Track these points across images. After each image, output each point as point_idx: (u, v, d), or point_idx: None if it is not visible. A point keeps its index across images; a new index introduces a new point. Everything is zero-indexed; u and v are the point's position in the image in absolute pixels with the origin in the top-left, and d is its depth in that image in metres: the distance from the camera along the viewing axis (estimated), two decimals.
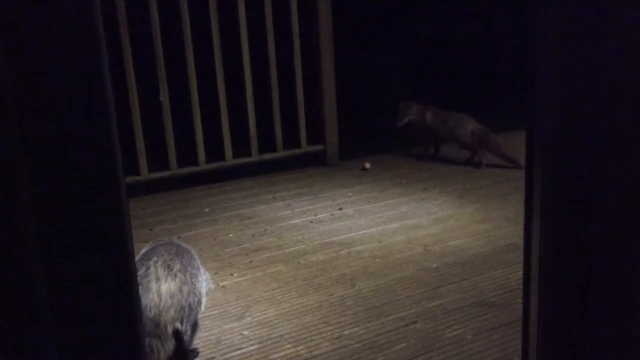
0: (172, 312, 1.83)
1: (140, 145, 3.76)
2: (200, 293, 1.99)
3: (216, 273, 2.70)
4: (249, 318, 2.31)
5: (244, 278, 2.66)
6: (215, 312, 2.36)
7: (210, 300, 2.43)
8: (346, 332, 2.18)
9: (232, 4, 3.88)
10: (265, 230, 3.21)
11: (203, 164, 4.00)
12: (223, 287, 2.57)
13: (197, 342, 2.13)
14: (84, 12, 0.81)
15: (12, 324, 0.85)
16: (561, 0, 1.04)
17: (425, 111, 4.35)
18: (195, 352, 2.07)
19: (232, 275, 2.69)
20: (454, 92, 5.39)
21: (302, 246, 2.98)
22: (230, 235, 3.16)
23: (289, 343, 2.13)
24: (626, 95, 1.09)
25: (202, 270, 2.09)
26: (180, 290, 1.87)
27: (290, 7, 4.06)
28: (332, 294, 2.47)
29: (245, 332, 2.21)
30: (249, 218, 3.40)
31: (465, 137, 4.23)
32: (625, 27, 1.06)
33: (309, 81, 4.26)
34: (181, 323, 1.84)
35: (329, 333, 2.19)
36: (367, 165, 4.27)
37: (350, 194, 3.75)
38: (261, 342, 2.15)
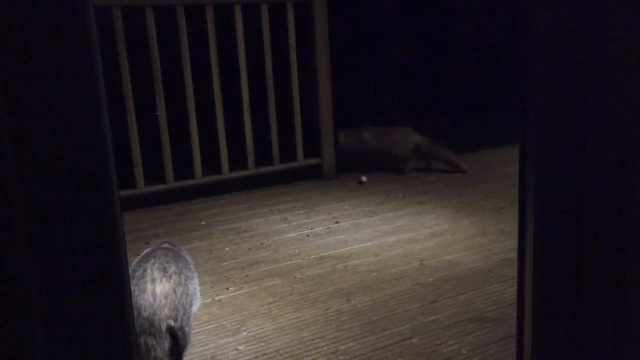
0: (165, 310, 1.89)
1: (137, 157, 3.76)
2: (193, 295, 2.06)
3: (212, 287, 2.69)
4: (245, 333, 2.30)
5: (239, 292, 2.65)
6: (211, 326, 2.35)
7: (206, 315, 2.43)
8: (342, 347, 2.18)
9: (229, 17, 3.91)
10: (262, 243, 3.21)
11: (199, 177, 4.00)
12: (219, 301, 2.56)
13: (192, 357, 2.12)
14: (77, 13, 0.82)
15: (3, 324, 0.85)
16: (552, 1, 1.06)
17: (361, 133, 4.43)
18: None
19: (227, 289, 2.68)
20: (449, 107, 5.41)
21: (298, 260, 2.97)
22: (227, 248, 3.16)
23: (284, 358, 2.12)
24: (617, 96, 1.10)
25: (196, 274, 2.19)
26: (174, 291, 1.94)
27: (287, 20, 4.09)
28: (328, 309, 2.46)
29: (241, 347, 2.20)
30: (245, 231, 3.40)
31: (407, 149, 4.39)
32: (617, 29, 1.08)
33: (305, 94, 4.28)
34: (175, 321, 1.89)
35: (324, 348, 2.18)
36: (364, 178, 4.28)
37: (346, 208, 3.75)
38: (257, 357, 2.14)
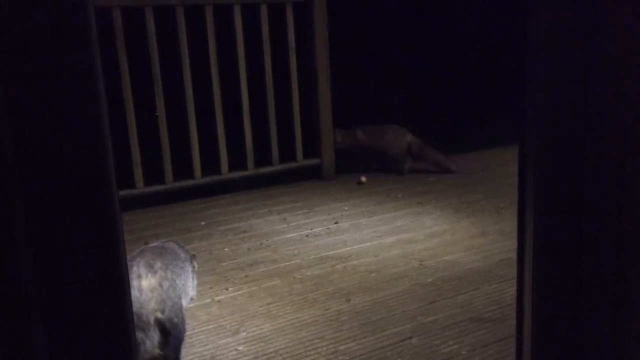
0: (152, 304, 1.91)
1: (136, 157, 3.76)
2: (181, 289, 2.08)
3: (211, 287, 2.69)
4: (244, 333, 2.30)
5: (239, 292, 2.65)
6: (210, 327, 2.35)
7: (205, 315, 2.43)
8: (341, 348, 2.18)
9: (229, 18, 3.90)
10: (261, 244, 3.21)
11: (199, 178, 4.00)
12: (218, 301, 2.56)
13: (192, 358, 2.12)
14: (77, 13, 0.82)
15: (3, 324, 0.85)
16: (552, 1, 1.06)
17: (356, 132, 4.47)
18: None
19: (227, 289, 2.68)
20: (448, 107, 5.41)
21: (298, 260, 2.97)
22: (226, 249, 3.16)
23: (284, 359, 2.12)
24: (617, 96, 1.10)
25: (189, 268, 2.23)
26: (160, 285, 1.96)
27: (286, 21, 4.08)
28: (327, 309, 2.46)
29: (240, 348, 2.20)
30: (245, 232, 3.39)
31: (402, 149, 4.41)
32: (617, 29, 1.08)
33: (305, 95, 4.28)
34: (162, 313, 1.92)
35: (324, 348, 2.18)
36: (364, 179, 4.28)
37: (346, 208, 3.75)
38: (256, 358, 2.14)
